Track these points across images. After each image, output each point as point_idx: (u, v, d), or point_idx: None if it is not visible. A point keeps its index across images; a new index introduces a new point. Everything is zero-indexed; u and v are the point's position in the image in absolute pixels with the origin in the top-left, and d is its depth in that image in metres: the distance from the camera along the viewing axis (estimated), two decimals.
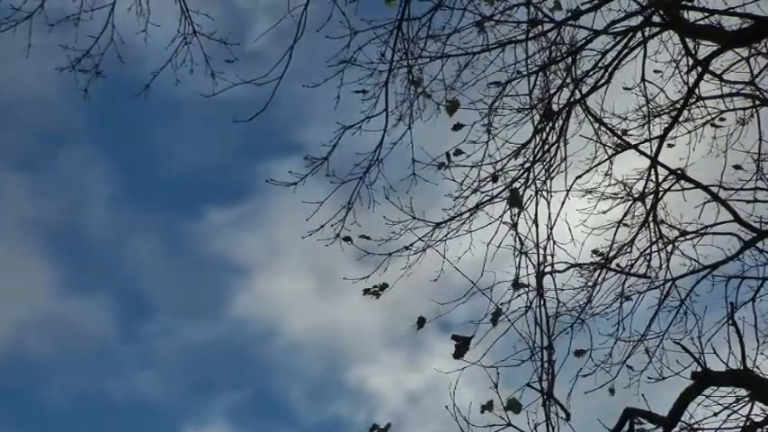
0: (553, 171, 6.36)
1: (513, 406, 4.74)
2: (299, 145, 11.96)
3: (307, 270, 13.46)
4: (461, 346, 4.92)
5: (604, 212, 7.80)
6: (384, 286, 6.36)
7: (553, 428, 4.81)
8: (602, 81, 6.95)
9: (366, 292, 6.34)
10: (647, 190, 7.62)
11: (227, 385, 13.82)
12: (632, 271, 7.70)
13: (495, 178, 6.68)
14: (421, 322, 5.80)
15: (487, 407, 4.71)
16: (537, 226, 5.51)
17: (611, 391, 6.99)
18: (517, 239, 5.70)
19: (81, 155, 12.83)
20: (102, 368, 13.59)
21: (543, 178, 6.20)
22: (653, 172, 7.51)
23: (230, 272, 13.73)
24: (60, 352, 13.54)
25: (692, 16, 6.76)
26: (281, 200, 12.76)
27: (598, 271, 7.48)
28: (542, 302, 5.19)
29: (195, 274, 13.98)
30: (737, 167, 7.64)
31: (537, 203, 5.62)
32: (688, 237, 7.67)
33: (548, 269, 5.62)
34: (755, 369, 5.68)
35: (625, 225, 7.76)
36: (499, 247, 5.94)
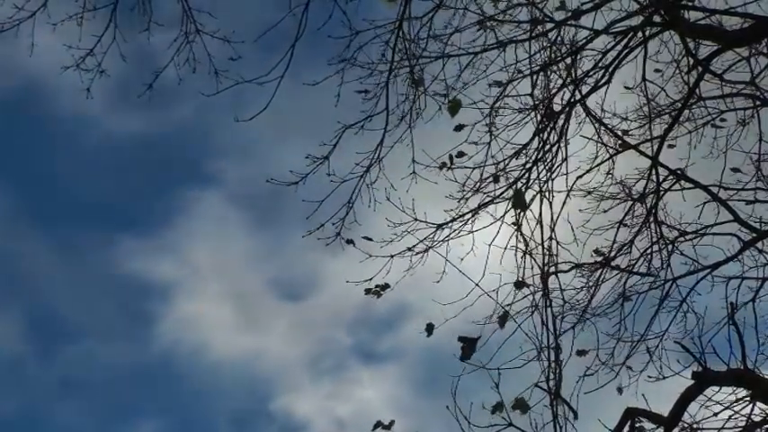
0: (554, 171, 6.37)
1: (521, 406, 4.72)
2: (211, 176, 12.13)
3: (227, 296, 13.54)
4: (467, 347, 4.90)
5: (605, 212, 7.82)
6: (385, 286, 6.34)
7: (561, 428, 4.79)
8: (603, 81, 6.96)
9: (368, 292, 6.32)
10: (647, 190, 7.62)
11: (151, 411, 13.53)
12: (633, 271, 7.72)
13: (496, 179, 6.69)
14: (429, 329, 5.77)
15: (497, 407, 4.70)
16: (542, 226, 5.50)
17: (620, 390, 7.00)
18: (521, 240, 5.69)
19: None
20: (18, 392, 13.09)
21: (544, 179, 6.20)
22: (653, 172, 7.51)
23: (148, 298, 13.64)
24: None
25: (692, 16, 6.76)
26: (195, 228, 12.89)
27: (599, 271, 7.49)
28: (548, 303, 5.19)
29: (112, 298, 13.84)
30: (735, 170, 7.65)
31: (541, 204, 5.62)
32: (688, 237, 7.67)
33: (552, 269, 5.62)
34: (756, 369, 5.70)
35: (625, 225, 7.77)
36: (505, 249, 5.94)
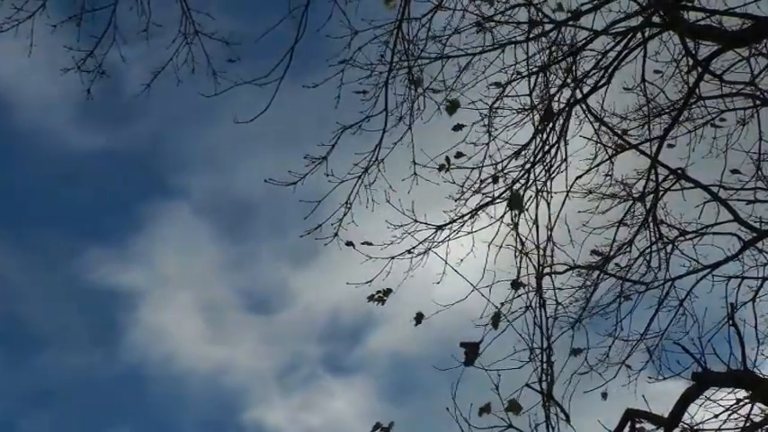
0: (553, 172, 6.36)
1: (514, 407, 4.72)
2: (177, 189, 12.20)
3: (196, 307, 13.59)
4: (470, 352, 4.88)
5: (604, 212, 7.82)
6: (388, 291, 6.30)
7: (553, 429, 4.79)
8: (603, 81, 6.96)
9: (370, 298, 6.28)
10: (647, 190, 7.62)
11: (120, 421, 13.61)
12: (631, 271, 7.72)
13: (495, 179, 6.68)
14: (419, 318, 5.75)
15: (485, 409, 4.69)
16: (537, 227, 5.50)
17: (604, 395, 6.99)
18: (518, 240, 5.68)
19: None
20: None
21: (544, 179, 6.19)
22: (653, 172, 7.52)
23: (116, 307, 13.68)
24: None
25: (692, 16, 6.76)
26: (162, 239, 12.97)
27: (596, 273, 7.49)
28: (542, 303, 5.18)
29: (80, 307, 13.84)
30: (735, 171, 7.64)
31: (537, 204, 5.61)
32: (688, 237, 7.67)
33: (547, 270, 5.61)
34: (755, 369, 5.70)
35: (625, 225, 7.77)
36: (500, 248, 5.94)
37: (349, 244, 6.45)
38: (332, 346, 12.87)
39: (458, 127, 6.40)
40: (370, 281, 6.51)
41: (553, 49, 6.60)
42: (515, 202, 5.38)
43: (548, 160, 6.47)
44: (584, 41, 6.64)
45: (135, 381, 13.77)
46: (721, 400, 5.73)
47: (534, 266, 5.62)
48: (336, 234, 6.87)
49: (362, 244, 6.43)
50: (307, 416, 12.84)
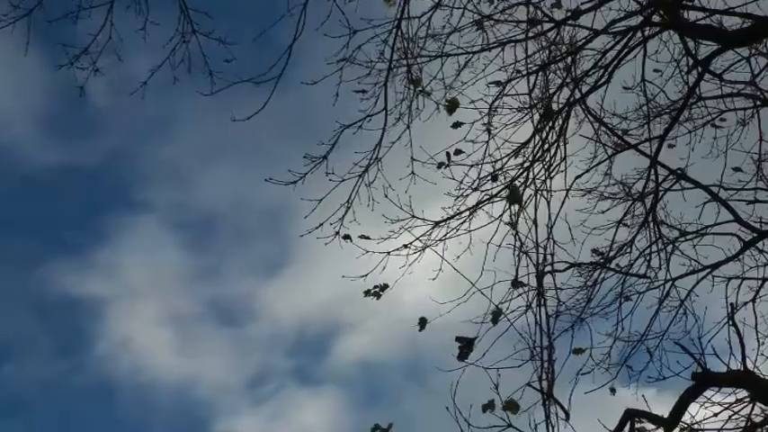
0: (553, 170, 6.34)
1: (512, 407, 4.71)
2: (142, 202, 12.23)
3: (164, 319, 13.58)
4: (465, 347, 4.87)
5: (604, 212, 7.80)
6: (385, 287, 6.27)
7: (553, 428, 4.79)
8: (602, 81, 6.93)
9: (367, 293, 6.25)
10: (646, 190, 7.60)
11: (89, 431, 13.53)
12: (632, 271, 7.69)
13: (494, 177, 6.65)
14: (422, 323, 5.72)
15: (489, 406, 4.68)
16: (537, 225, 5.48)
17: (612, 390, 6.96)
18: (517, 239, 5.66)
19: None
20: None
21: (543, 178, 6.18)
22: (653, 172, 7.49)
23: (84, 319, 13.68)
24: None
25: (692, 16, 6.75)
26: (130, 252, 13.00)
27: (598, 271, 7.47)
28: (542, 302, 5.16)
29: (47, 318, 13.83)
30: (737, 169, 7.63)
31: (537, 203, 5.60)
32: (688, 237, 7.67)
33: (548, 269, 5.60)
34: (756, 369, 5.68)
35: (625, 225, 7.75)
36: (500, 246, 5.92)
37: (346, 237, 6.43)
38: (300, 358, 12.98)
39: (457, 124, 6.38)
40: (365, 275, 6.48)
41: (553, 48, 6.60)
42: (514, 197, 5.36)
43: (547, 159, 6.46)
44: (583, 41, 6.63)
45: (103, 391, 13.75)
46: (722, 400, 5.73)
47: (534, 265, 5.60)
48: (338, 233, 6.83)
49: (360, 237, 6.41)
50: (277, 428, 12.88)
